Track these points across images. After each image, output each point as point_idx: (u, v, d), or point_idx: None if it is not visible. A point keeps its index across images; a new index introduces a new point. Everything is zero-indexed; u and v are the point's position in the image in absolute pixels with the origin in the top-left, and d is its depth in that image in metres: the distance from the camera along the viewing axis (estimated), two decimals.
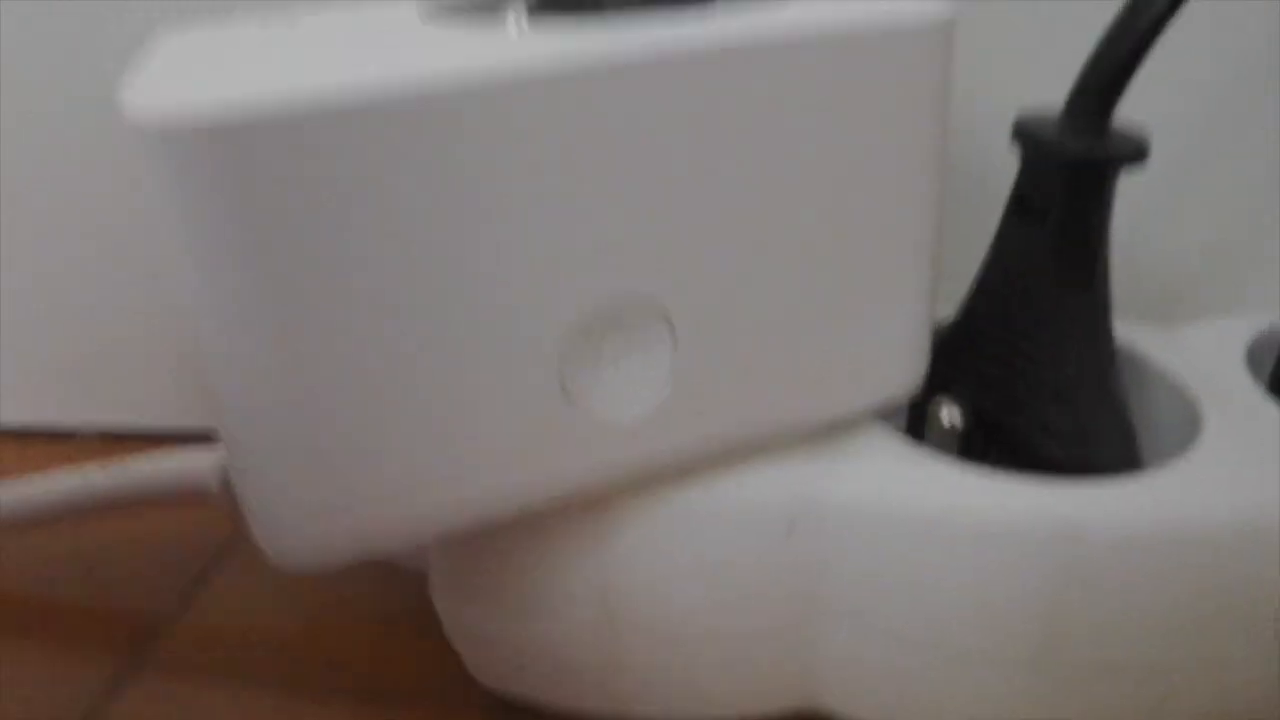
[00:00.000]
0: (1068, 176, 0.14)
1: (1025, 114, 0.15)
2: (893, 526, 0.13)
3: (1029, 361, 0.15)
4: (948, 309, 0.17)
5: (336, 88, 0.10)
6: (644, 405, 0.13)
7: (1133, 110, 0.14)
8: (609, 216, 0.11)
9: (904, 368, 0.15)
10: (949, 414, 0.16)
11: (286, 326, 0.11)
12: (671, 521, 0.14)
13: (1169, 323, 0.18)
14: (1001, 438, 0.16)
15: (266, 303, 0.11)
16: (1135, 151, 0.14)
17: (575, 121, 0.11)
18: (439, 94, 0.10)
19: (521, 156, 0.11)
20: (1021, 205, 0.15)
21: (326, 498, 0.12)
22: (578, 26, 0.12)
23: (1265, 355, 0.17)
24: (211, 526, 0.21)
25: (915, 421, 0.17)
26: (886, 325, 0.14)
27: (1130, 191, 0.15)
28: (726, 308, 0.13)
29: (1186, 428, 0.15)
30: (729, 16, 0.12)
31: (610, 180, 0.11)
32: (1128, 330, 0.17)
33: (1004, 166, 0.15)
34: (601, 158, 0.11)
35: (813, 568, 0.14)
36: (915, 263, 0.14)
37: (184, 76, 0.11)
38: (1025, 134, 0.15)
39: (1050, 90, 0.15)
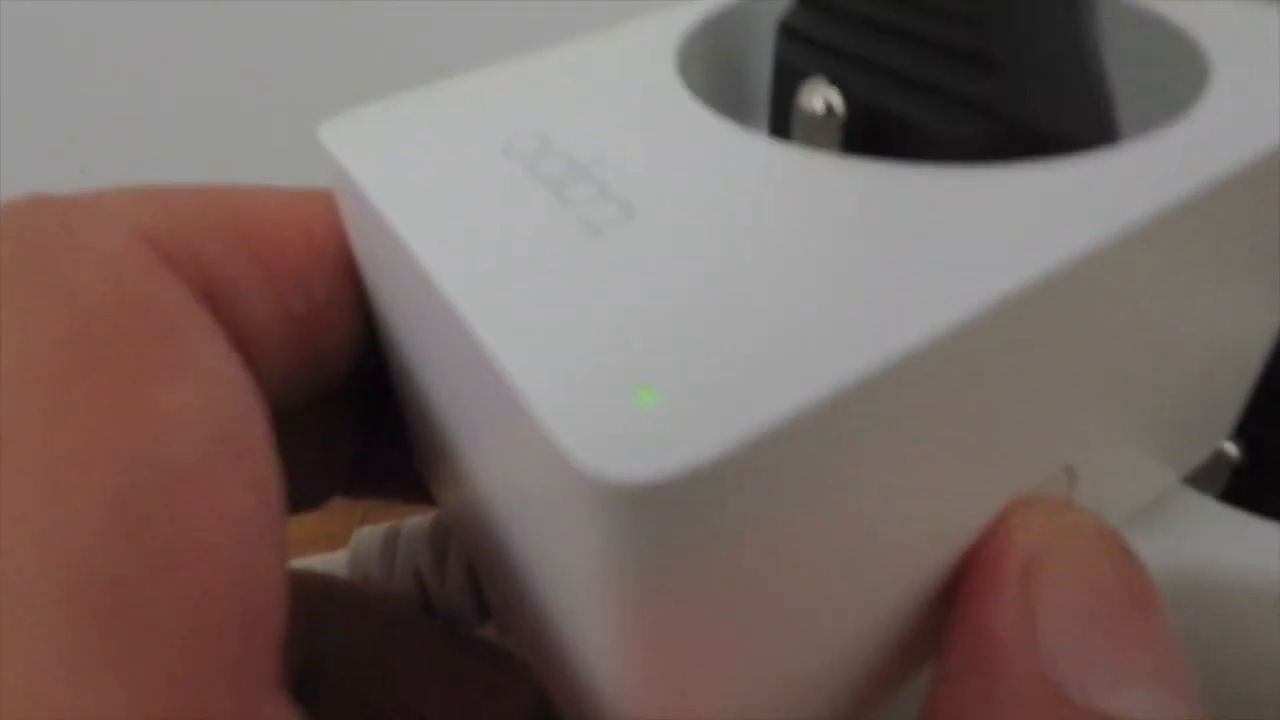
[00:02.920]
0: None
1: None
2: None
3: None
4: None
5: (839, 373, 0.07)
6: None
7: None
8: (1053, 404, 0.10)
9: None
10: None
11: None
12: None
13: None
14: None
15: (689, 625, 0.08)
16: None
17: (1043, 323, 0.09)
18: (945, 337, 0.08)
19: (997, 365, 0.09)
20: None
21: None
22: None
23: None
24: None
25: None
26: (1227, 407, 0.14)
27: None
28: (1120, 440, 0.12)
29: None
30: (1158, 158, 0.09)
31: (1050, 369, 0.09)
32: None
33: None
34: (1046, 351, 0.09)
35: None
36: (1265, 344, 0.13)
37: (600, 388, 0.07)
38: None
39: None
